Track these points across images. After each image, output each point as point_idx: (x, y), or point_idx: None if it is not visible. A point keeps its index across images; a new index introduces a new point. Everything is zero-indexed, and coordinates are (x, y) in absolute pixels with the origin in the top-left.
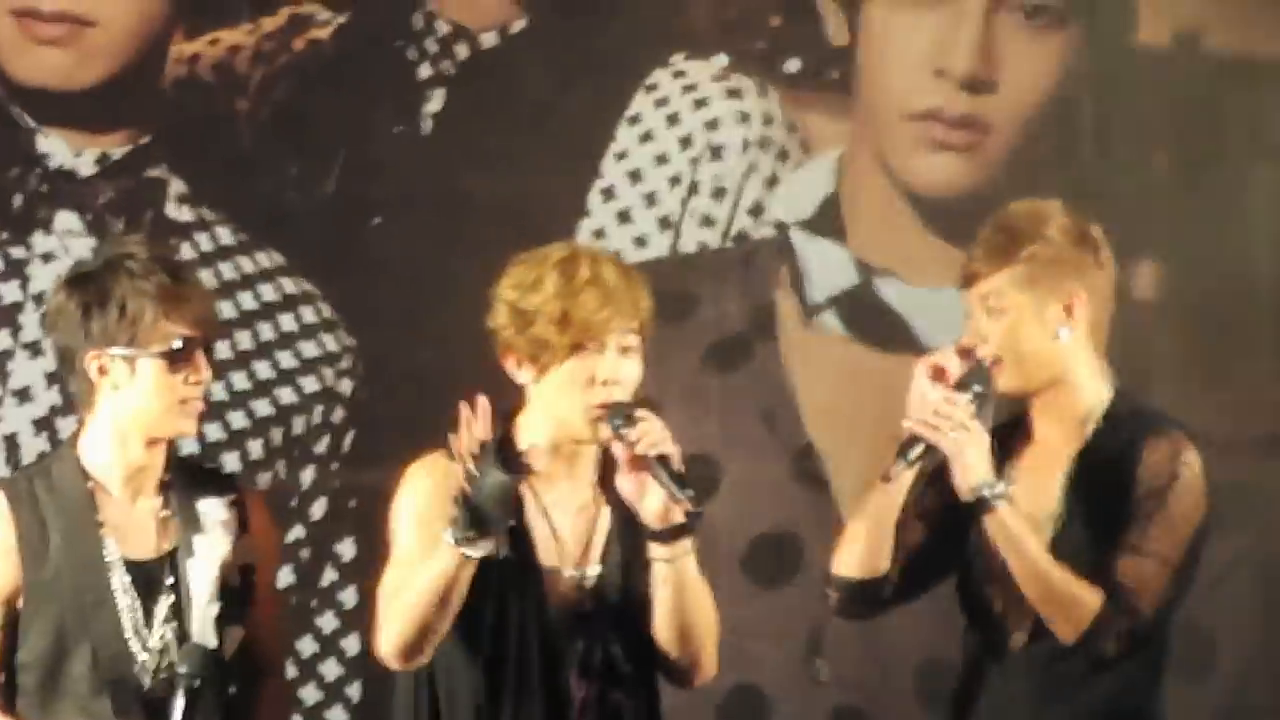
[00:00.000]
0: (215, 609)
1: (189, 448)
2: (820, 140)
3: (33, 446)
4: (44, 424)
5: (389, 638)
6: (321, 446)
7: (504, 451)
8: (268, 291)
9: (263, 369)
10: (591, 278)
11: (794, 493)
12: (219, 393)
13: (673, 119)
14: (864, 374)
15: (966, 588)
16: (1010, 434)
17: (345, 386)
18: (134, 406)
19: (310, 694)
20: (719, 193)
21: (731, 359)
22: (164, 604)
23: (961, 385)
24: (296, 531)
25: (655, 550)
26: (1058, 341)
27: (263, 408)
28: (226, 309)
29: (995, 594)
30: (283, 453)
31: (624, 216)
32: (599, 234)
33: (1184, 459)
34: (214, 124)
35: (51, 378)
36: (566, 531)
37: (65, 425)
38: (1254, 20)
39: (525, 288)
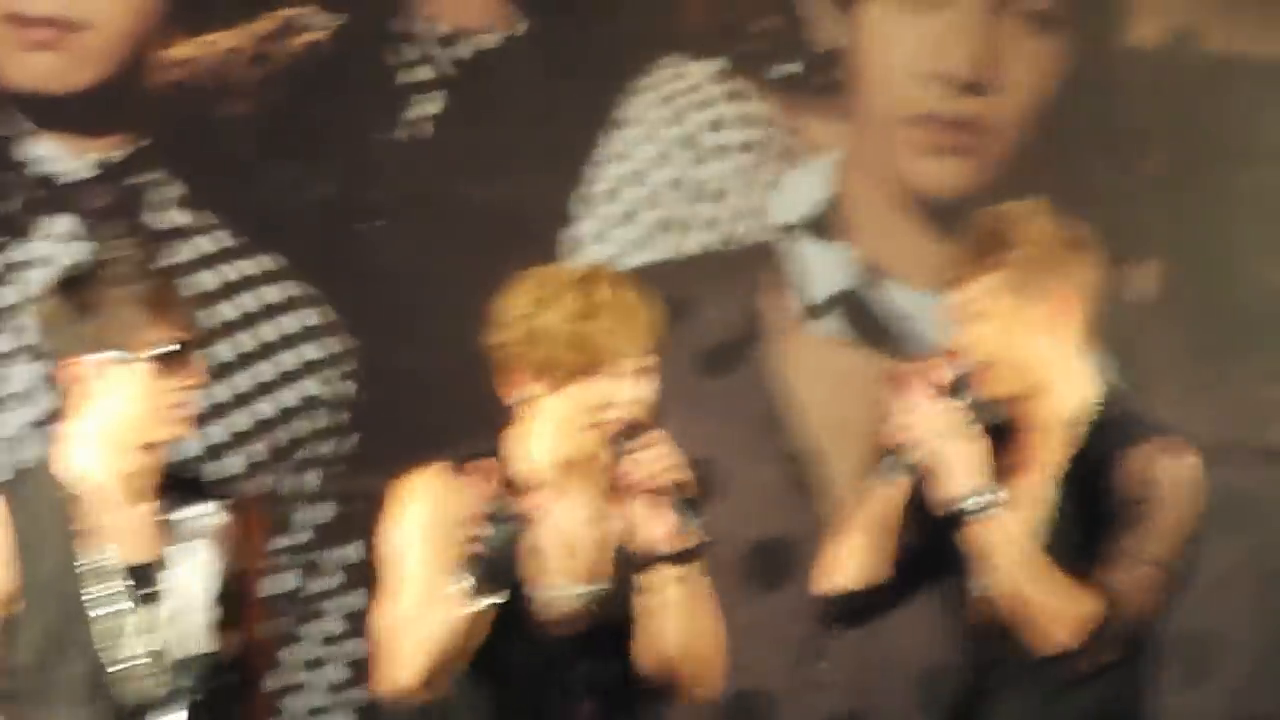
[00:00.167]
0: (210, 614)
1: (191, 450)
2: (819, 142)
3: (31, 450)
4: (42, 427)
5: (408, 674)
6: (324, 450)
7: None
8: (270, 293)
9: (265, 371)
10: (607, 300)
11: (792, 497)
12: (221, 395)
13: (672, 121)
14: (863, 377)
15: (958, 592)
16: (997, 439)
17: (347, 389)
18: (125, 411)
19: (314, 698)
20: (718, 195)
21: (729, 362)
22: (160, 609)
23: (955, 389)
24: (300, 535)
25: (661, 574)
26: (1047, 346)
27: (265, 410)
28: (229, 310)
29: (984, 600)
30: (285, 456)
31: (623, 219)
32: (597, 236)
33: (1173, 463)
34: (211, 127)
35: (51, 381)
36: (575, 544)
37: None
38: (1249, 21)
39: (541, 305)
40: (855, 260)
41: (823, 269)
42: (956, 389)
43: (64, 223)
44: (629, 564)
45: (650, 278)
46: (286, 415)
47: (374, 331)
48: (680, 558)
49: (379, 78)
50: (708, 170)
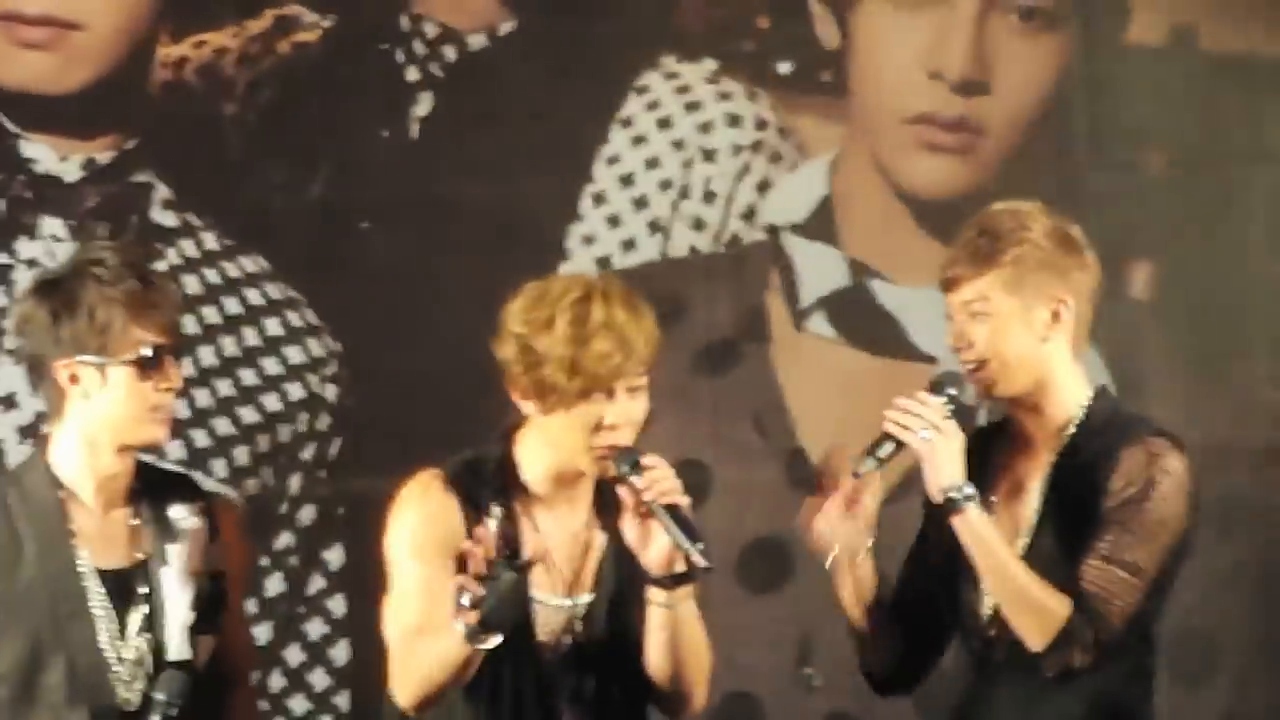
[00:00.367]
0: (189, 617)
1: (174, 455)
2: (812, 143)
3: (18, 454)
4: (29, 431)
5: (406, 696)
6: (308, 453)
7: (503, 477)
8: (253, 296)
9: (248, 375)
10: (604, 322)
11: (786, 498)
12: (205, 399)
13: (664, 122)
14: (856, 377)
15: (952, 592)
16: (993, 439)
17: (331, 392)
18: (105, 414)
19: (299, 704)
20: (710, 196)
21: (722, 363)
22: (138, 614)
23: (935, 387)
24: (284, 539)
25: (655, 595)
26: (1043, 346)
27: (249, 414)
28: (212, 314)
29: (979, 598)
30: (269, 460)
31: (614, 220)
32: (589, 239)
33: (1162, 466)
34: (200, 128)
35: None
36: (561, 557)
37: None
38: (1249, 19)
39: (536, 327)
40: (849, 260)
41: (817, 269)
42: (942, 385)
43: (53, 224)
44: (616, 574)
45: (642, 279)
46: (270, 419)
47: (359, 334)
48: (675, 580)
49: (368, 79)
50: (698, 172)
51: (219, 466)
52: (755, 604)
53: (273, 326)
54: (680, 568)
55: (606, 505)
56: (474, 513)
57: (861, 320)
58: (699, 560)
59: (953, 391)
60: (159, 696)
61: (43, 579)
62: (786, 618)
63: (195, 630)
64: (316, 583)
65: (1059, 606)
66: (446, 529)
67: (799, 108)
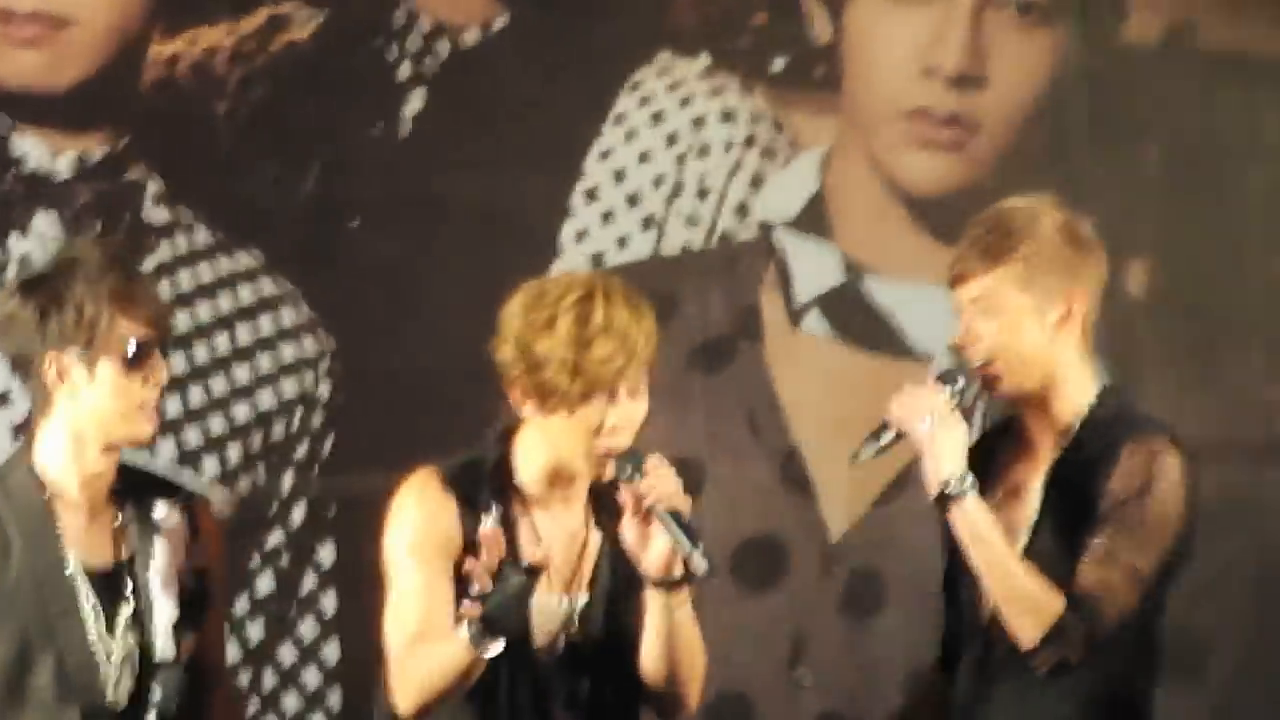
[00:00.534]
0: (175, 615)
1: (167, 453)
2: (806, 139)
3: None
4: (23, 429)
5: (406, 704)
6: (301, 451)
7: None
8: (246, 293)
9: (241, 373)
10: (606, 323)
11: (779, 496)
12: (198, 397)
13: (657, 117)
14: (850, 375)
15: (950, 586)
16: (997, 442)
17: (324, 390)
18: (92, 411)
19: (291, 703)
20: (703, 192)
21: (716, 360)
22: (124, 612)
23: (942, 379)
24: (276, 537)
25: (653, 598)
26: (1053, 344)
27: (242, 412)
28: (205, 310)
29: (977, 593)
30: (262, 458)
31: (607, 217)
32: (581, 235)
33: (1162, 465)
34: (193, 125)
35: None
36: (557, 557)
37: None
38: (1245, 16)
39: (536, 328)
40: (843, 257)
41: (811, 266)
42: (949, 377)
43: (45, 221)
44: (611, 574)
45: (634, 276)
46: (263, 417)
47: (352, 331)
48: (673, 584)
49: (363, 74)
50: (691, 168)
51: (211, 464)
52: (748, 603)
53: (265, 324)
54: (678, 571)
55: (602, 506)
56: (472, 513)
57: (855, 318)
58: (699, 564)
59: (960, 384)
60: (156, 695)
61: (31, 579)
62: (779, 617)
63: (180, 628)
64: (308, 581)
65: (1053, 604)
66: (445, 529)
67: (793, 103)
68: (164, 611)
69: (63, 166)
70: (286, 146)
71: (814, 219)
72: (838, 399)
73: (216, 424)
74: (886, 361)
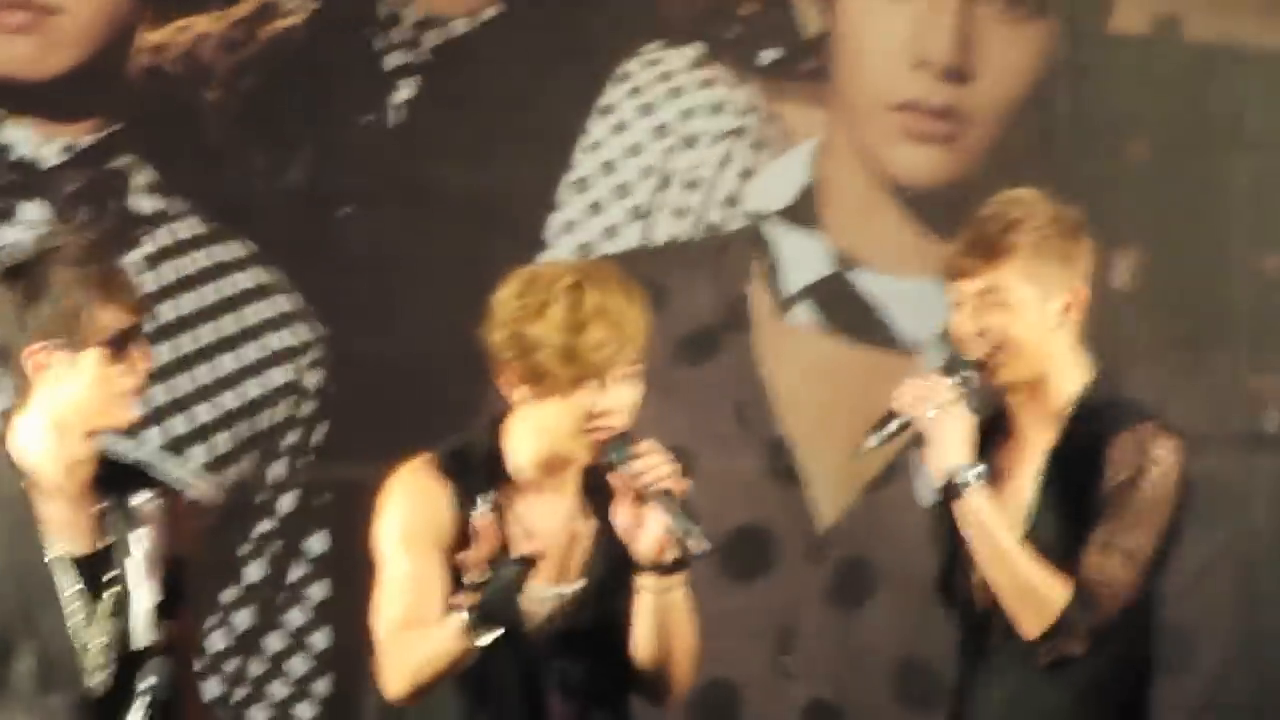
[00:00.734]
0: (155, 602)
1: (154, 441)
2: (796, 130)
3: None
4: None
5: (397, 690)
6: (290, 440)
7: (493, 465)
8: (236, 281)
9: (229, 361)
10: (598, 308)
11: (767, 487)
12: (185, 385)
13: (646, 109)
14: (838, 366)
15: (949, 578)
16: (991, 428)
17: (314, 378)
18: (75, 399)
19: (278, 690)
20: (692, 184)
21: (704, 351)
22: (106, 600)
23: (948, 368)
24: (265, 526)
25: (646, 582)
26: (1054, 335)
27: (230, 401)
28: (192, 299)
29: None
30: (251, 446)
31: (596, 207)
32: (570, 225)
33: (1156, 452)
34: (182, 113)
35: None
36: (550, 544)
37: None
38: (1232, 8)
39: (528, 313)
40: (832, 248)
41: (800, 257)
42: (954, 367)
43: (32, 209)
44: (605, 561)
45: (623, 266)
46: (252, 405)
47: (341, 320)
48: (667, 569)
49: (353, 63)
50: (680, 159)
51: (200, 453)
52: (735, 592)
53: (254, 312)
54: (670, 556)
55: (593, 491)
56: (465, 501)
57: (844, 309)
58: (697, 544)
59: (966, 374)
60: (146, 682)
61: (10, 568)
62: (766, 606)
63: (160, 615)
64: (297, 569)
65: (1056, 595)
66: (436, 517)
67: (782, 94)
68: (144, 599)
69: (51, 154)
70: (276, 135)
71: (803, 210)
72: (826, 390)
73: (204, 411)
74: (875, 353)
